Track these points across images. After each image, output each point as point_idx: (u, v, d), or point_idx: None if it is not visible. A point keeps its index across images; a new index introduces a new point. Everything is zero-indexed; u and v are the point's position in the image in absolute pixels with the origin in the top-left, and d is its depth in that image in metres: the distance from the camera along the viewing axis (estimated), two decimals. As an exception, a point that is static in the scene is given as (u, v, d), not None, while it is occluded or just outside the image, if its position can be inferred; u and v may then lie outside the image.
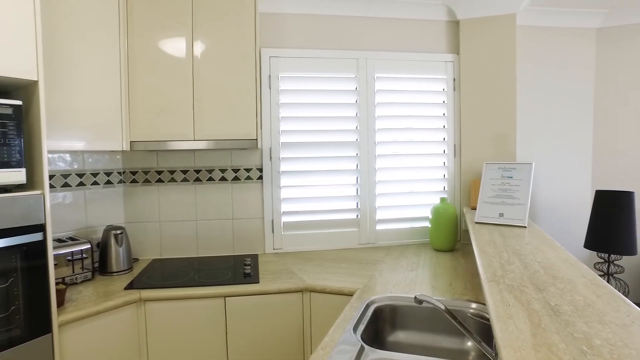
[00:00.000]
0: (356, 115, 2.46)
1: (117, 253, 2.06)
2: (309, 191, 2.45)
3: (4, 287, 1.41)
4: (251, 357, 1.87)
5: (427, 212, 2.54)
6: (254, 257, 2.32)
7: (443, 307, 1.21)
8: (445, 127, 2.54)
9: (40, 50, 1.48)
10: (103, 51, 1.90)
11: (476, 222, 1.98)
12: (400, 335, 1.61)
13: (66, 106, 1.78)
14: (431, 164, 2.55)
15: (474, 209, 2.28)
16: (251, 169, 2.40)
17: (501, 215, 1.92)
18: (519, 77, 2.55)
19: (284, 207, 2.43)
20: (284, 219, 2.44)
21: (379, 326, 1.59)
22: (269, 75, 2.36)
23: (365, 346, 1.22)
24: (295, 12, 2.38)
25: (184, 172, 2.36)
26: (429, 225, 2.44)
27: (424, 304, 1.53)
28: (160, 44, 2.01)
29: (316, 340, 1.89)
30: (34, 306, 1.47)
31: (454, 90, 2.53)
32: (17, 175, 1.44)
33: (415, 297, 1.29)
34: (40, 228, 1.48)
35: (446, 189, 2.57)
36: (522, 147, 2.58)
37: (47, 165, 1.52)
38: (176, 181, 2.35)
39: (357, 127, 2.46)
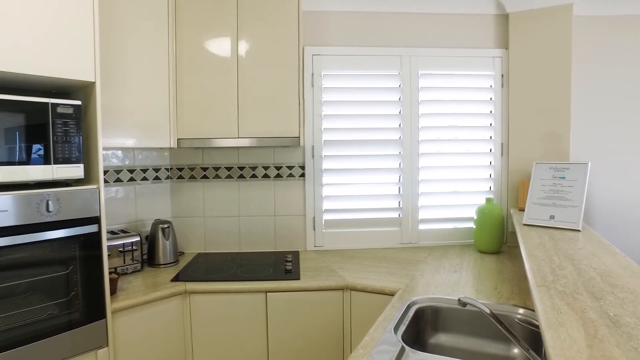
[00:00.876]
0: (399, 113, 2.42)
1: (164, 246, 2.15)
2: (351, 189, 2.44)
3: (65, 274, 1.51)
4: (291, 352, 1.89)
5: (472, 213, 2.46)
6: (295, 254, 2.34)
7: (488, 311, 1.17)
8: (492, 125, 2.45)
9: (97, 53, 1.57)
10: (153, 52, 1.99)
11: (524, 224, 1.89)
12: (442, 338, 1.57)
13: (119, 105, 1.88)
14: (477, 163, 2.47)
15: (522, 210, 2.19)
16: (293, 167, 2.43)
17: (552, 217, 1.83)
18: (573, 72, 2.41)
19: (326, 205, 2.44)
20: (326, 216, 2.45)
21: (420, 327, 1.57)
22: (312, 73, 2.37)
23: (406, 347, 1.21)
24: (338, 10, 2.38)
25: (228, 168, 2.42)
26: (474, 226, 2.36)
27: (468, 307, 1.49)
28: (207, 44, 2.07)
29: (356, 338, 1.88)
30: (90, 293, 1.57)
31: (502, 86, 2.43)
32: (76, 171, 1.54)
33: (458, 300, 1.25)
34: (96, 220, 1.57)
35: (492, 189, 2.48)
36: (576, 146, 2.44)
37: (102, 161, 1.60)
38: (220, 178, 2.42)
39: (400, 125, 2.43)
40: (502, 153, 2.46)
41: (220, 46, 2.07)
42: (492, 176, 2.48)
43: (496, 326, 1.26)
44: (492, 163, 2.47)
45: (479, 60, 2.43)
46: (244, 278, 1.93)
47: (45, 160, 1.46)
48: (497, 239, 2.27)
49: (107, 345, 1.61)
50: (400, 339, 1.28)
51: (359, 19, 2.40)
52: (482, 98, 2.45)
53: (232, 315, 1.87)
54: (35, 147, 1.44)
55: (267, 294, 1.87)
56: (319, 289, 1.88)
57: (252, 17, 2.07)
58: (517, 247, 2.40)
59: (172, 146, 2.07)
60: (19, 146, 1.40)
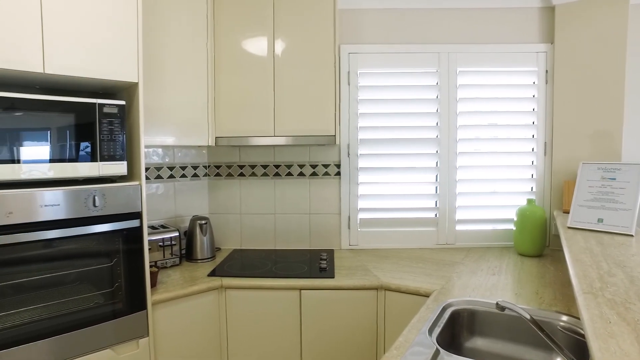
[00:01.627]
0: (437, 111, 2.37)
1: (201, 242, 2.21)
2: (386, 188, 2.42)
3: (110, 266, 1.58)
4: (324, 350, 1.89)
5: (512, 214, 2.38)
6: (330, 252, 2.35)
7: (528, 317, 1.13)
8: (535, 123, 2.35)
9: (140, 55, 1.63)
10: (192, 52, 2.04)
11: (569, 227, 1.81)
12: (478, 342, 1.53)
13: (159, 104, 1.94)
14: (518, 163, 2.38)
15: (567, 212, 2.09)
16: (329, 165, 2.43)
17: (600, 220, 1.74)
18: (628, 65, 2.27)
19: (361, 204, 2.43)
20: (361, 215, 2.44)
21: (456, 330, 1.53)
22: (348, 72, 2.36)
23: (441, 350, 1.18)
24: (374, 8, 2.35)
25: (264, 166, 2.45)
26: (514, 228, 2.28)
27: (507, 312, 1.44)
28: (244, 43, 2.10)
29: (389, 339, 1.86)
30: (132, 285, 1.63)
31: (546, 83, 2.33)
32: (120, 168, 1.60)
33: (497, 303, 1.22)
34: (138, 215, 1.64)
35: (534, 189, 2.38)
36: (629, 145, 2.30)
37: (144, 158, 1.67)
38: (257, 175, 2.46)
39: (437, 124, 2.37)
40: (545, 152, 2.35)
41: (257, 45, 2.10)
42: (534, 176, 2.38)
43: (537, 333, 1.21)
44: (535, 163, 2.37)
45: (521, 56, 2.34)
46: (278, 275, 1.95)
47: (92, 158, 1.53)
48: (538, 242, 2.18)
49: (148, 335, 1.68)
50: (434, 341, 1.25)
51: (396, 16, 2.36)
52: (524, 95, 2.36)
53: (267, 311, 1.90)
54: (83, 145, 1.51)
55: (302, 291, 1.89)
56: (354, 288, 1.87)
57: (289, 16, 2.09)
58: (561, 250, 2.30)
59: (209, 144, 2.12)
60: (69, 144, 1.48)
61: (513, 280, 1.81)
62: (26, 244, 1.40)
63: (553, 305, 1.52)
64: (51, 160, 1.45)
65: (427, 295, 1.73)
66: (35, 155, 1.42)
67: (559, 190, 2.31)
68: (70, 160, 1.49)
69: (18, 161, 1.39)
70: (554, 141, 2.31)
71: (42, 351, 1.43)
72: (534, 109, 2.35)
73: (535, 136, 2.36)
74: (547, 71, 2.32)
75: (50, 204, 1.43)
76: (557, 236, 2.30)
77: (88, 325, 1.52)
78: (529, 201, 2.24)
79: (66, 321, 1.48)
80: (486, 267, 2.02)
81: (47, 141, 1.44)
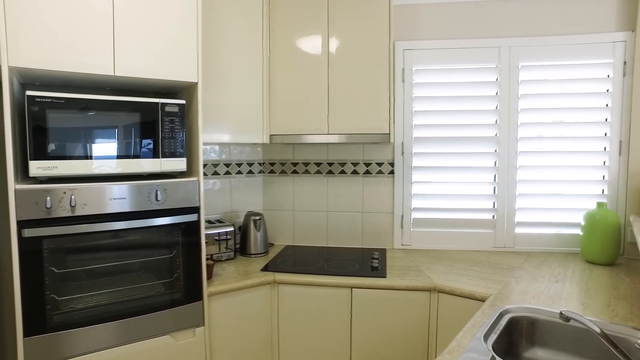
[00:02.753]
0: (496, 108, 2.26)
1: (255, 237, 2.27)
2: (442, 188, 2.35)
3: (170, 257, 1.67)
4: (373, 350, 1.88)
5: (578, 218, 2.21)
6: (382, 252, 2.32)
7: (598, 330, 1.05)
8: (609, 120, 2.17)
9: (200, 56, 1.70)
10: (248, 51, 2.10)
11: (647, 234, 1.65)
12: (538, 353, 1.44)
13: (216, 103, 2.02)
14: (586, 163, 2.21)
15: (644, 217, 1.91)
16: (383, 164, 2.40)
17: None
18: None
19: (415, 204, 2.38)
20: (414, 215, 2.38)
21: (513, 339, 1.45)
22: (403, 69, 2.32)
23: (497, 357, 1.12)
24: (429, 2, 2.29)
25: (318, 164, 2.47)
26: (581, 233, 2.11)
27: (572, 322, 1.34)
28: (298, 42, 2.13)
29: (441, 343, 1.81)
30: (190, 276, 1.72)
31: (624, 75, 2.14)
32: (180, 164, 1.69)
33: (560, 313, 1.14)
34: (196, 210, 1.71)
35: (605, 192, 2.20)
36: None
37: (202, 155, 1.74)
38: (310, 173, 2.48)
39: (496, 122, 2.26)
40: (620, 152, 2.16)
41: (311, 43, 2.12)
42: (606, 178, 2.20)
43: (608, 348, 1.12)
44: (607, 163, 2.19)
45: (594, 47, 2.16)
46: (330, 272, 1.96)
47: (154, 154, 1.62)
48: (611, 249, 2.00)
49: (204, 325, 1.75)
50: (490, 348, 1.19)
51: (452, 10, 2.28)
52: (596, 90, 2.18)
53: (318, 308, 1.91)
54: (146, 142, 1.60)
55: (353, 289, 1.88)
56: (406, 288, 1.84)
57: (343, 13, 2.08)
58: (638, 260, 2.11)
59: (264, 142, 2.17)
60: (133, 141, 1.58)
61: (579, 289, 1.69)
62: (98, 234, 1.51)
63: (628, 319, 1.39)
64: (118, 157, 1.56)
65: (482, 300, 1.66)
66: (104, 152, 1.53)
67: (636, 193, 2.11)
68: (135, 156, 1.59)
69: (90, 157, 1.50)
70: (631, 139, 2.12)
71: (110, 333, 1.54)
72: (607, 105, 2.17)
73: (608, 134, 2.18)
74: (625, 62, 2.13)
75: (118, 197, 1.54)
76: (634, 244, 2.11)
77: (150, 312, 1.62)
78: (599, 204, 2.07)
79: (131, 307, 1.59)
80: (548, 273, 1.90)
81: (115, 139, 1.54)
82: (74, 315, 1.49)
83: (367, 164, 2.42)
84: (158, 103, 1.62)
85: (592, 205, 2.18)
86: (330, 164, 2.46)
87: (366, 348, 1.88)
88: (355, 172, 2.44)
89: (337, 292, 1.90)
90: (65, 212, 1.45)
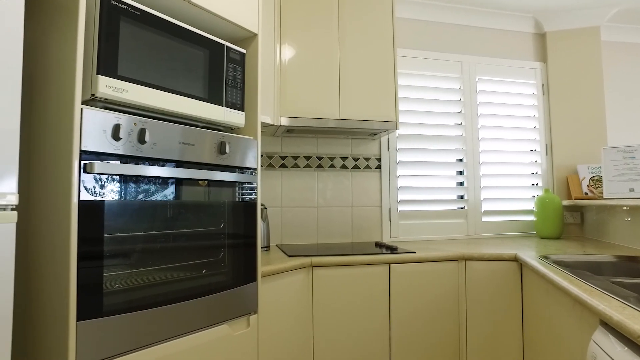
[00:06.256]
0: (461, 111, 2.63)
1: (262, 229, 2.03)
2: (420, 181, 2.53)
3: (229, 225, 1.41)
4: (411, 323, 1.84)
5: (524, 206, 2.66)
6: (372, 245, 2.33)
7: None
8: (537, 127, 2.75)
9: (260, 8, 1.58)
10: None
11: (605, 198, 2.11)
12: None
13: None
14: (524, 160, 2.72)
15: (577, 199, 2.44)
16: (370, 158, 2.48)
17: (631, 190, 2.07)
18: (610, 91, 2.81)
19: (400, 196, 2.49)
20: (400, 207, 2.49)
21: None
22: (386, 71, 2.51)
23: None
24: (407, 17, 2.60)
25: (307, 158, 2.40)
26: (534, 218, 2.54)
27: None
28: (310, 40, 2.13)
29: (471, 306, 1.89)
30: (247, 249, 1.45)
31: (543, 94, 2.76)
32: (240, 117, 1.47)
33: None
34: (253, 171, 1.50)
35: (539, 184, 2.72)
36: (612, 142, 2.78)
37: (260, 114, 1.55)
38: (299, 167, 2.38)
39: (462, 123, 2.62)
40: (547, 152, 2.73)
41: (322, 42, 2.12)
42: (539, 172, 2.73)
43: None
44: (538, 161, 2.73)
45: (523, 70, 2.76)
46: (362, 253, 1.89)
47: (218, 102, 1.39)
48: (559, 226, 2.46)
49: (257, 312, 1.47)
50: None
51: (426, 27, 2.63)
52: (528, 103, 2.75)
53: (355, 289, 1.80)
54: (213, 85, 1.37)
55: (390, 265, 1.85)
56: (437, 259, 1.90)
57: (351, 21, 2.18)
58: (574, 237, 2.62)
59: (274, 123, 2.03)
60: (203, 82, 1.38)
61: (545, 250, 2.02)
62: (161, 188, 1.19)
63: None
64: (188, 95, 1.28)
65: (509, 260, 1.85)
66: (175, 86, 1.25)
67: (562, 183, 2.67)
68: (203, 99, 1.33)
69: (163, 88, 1.21)
70: (553, 143, 2.70)
71: (163, 320, 1.17)
72: (534, 115, 2.75)
73: (537, 138, 2.74)
74: (543, 84, 2.77)
75: (187, 143, 1.25)
76: (570, 224, 2.63)
77: (206, 294, 1.29)
78: (546, 190, 2.55)
79: (187, 287, 1.24)
80: (519, 245, 2.22)
81: (185, 75, 1.28)
82: (131, 294, 1.10)
83: (356, 159, 2.46)
84: (224, 45, 1.42)
85: (530, 195, 2.66)
86: (319, 158, 2.42)
87: (404, 322, 1.84)
88: (344, 167, 2.45)
89: (375, 270, 1.83)
90: (134, 150, 1.11)
